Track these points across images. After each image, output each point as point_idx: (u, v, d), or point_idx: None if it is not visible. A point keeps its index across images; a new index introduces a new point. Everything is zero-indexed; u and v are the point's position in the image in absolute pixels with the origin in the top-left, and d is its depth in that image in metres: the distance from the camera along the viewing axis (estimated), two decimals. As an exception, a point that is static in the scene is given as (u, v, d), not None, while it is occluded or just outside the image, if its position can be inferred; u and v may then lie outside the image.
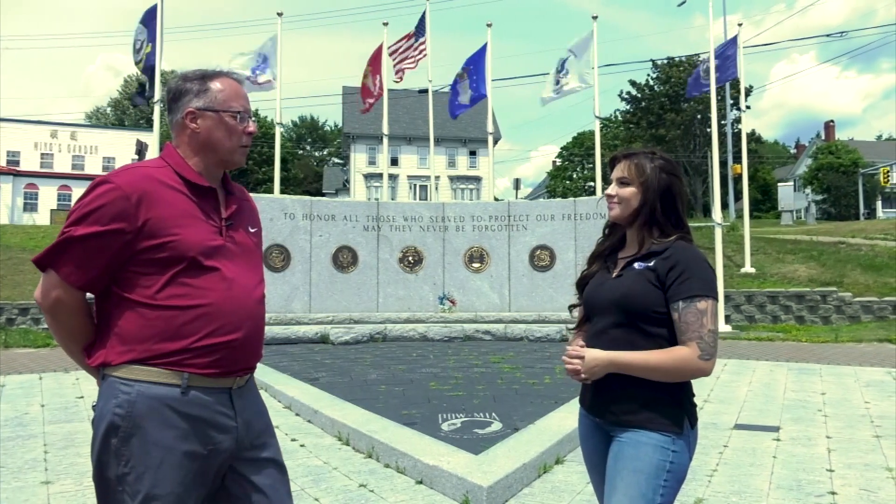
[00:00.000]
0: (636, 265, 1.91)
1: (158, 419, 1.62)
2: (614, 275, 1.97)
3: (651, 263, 1.87)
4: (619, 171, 1.99)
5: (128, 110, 59.63)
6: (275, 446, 1.89)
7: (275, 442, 1.90)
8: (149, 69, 13.50)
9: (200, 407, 1.67)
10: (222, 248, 1.74)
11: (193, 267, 1.67)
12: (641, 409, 1.82)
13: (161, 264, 1.65)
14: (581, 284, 2.10)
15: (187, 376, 1.65)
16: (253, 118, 1.87)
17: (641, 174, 1.95)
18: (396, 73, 16.17)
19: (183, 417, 1.64)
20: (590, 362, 1.84)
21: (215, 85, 1.80)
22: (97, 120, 60.41)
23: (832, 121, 58.66)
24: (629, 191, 1.96)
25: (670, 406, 1.83)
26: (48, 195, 41.91)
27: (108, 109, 63.07)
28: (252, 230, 1.89)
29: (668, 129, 44.43)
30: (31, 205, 41.35)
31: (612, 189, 1.99)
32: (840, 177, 45.19)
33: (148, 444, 1.61)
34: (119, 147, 44.31)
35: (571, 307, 2.16)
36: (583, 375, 1.85)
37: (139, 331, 1.64)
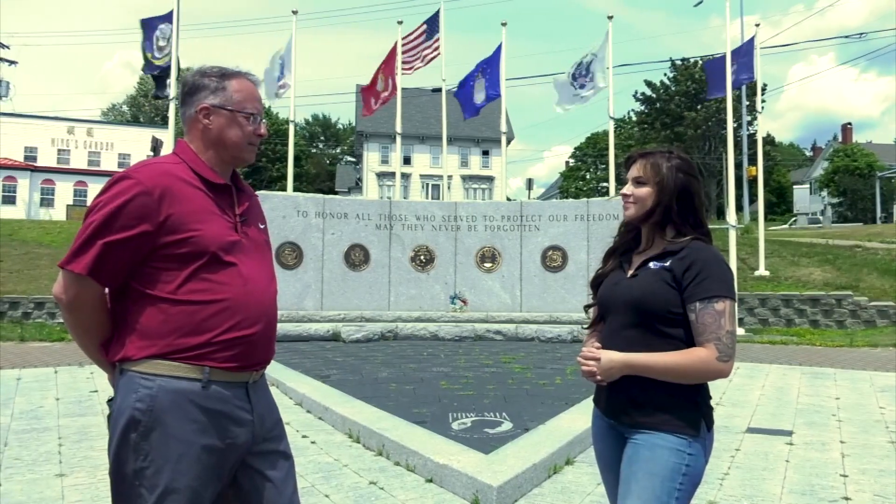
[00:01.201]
0: (651, 265, 1.88)
1: (180, 413, 1.63)
2: (629, 274, 1.94)
3: (667, 263, 1.84)
4: (634, 171, 1.96)
5: (143, 107, 60.08)
6: (285, 440, 1.92)
7: (285, 436, 1.93)
8: (166, 67, 13.63)
9: (220, 401, 1.69)
10: (238, 243, 1.76)
11: (214, 262, 1.69)
12: (657, 411, 1.80)
13: (182, 259, 1.66)
14: (596, 283, 2.08)
15: (208, 370, 1.66)
16: (264, 120, 1.90)
17: (657, 174, 1.92)
18: (406, 67, 16.09)
19: (203, 411, 1.66)
20: (606, 364, 1.81)
21: (232, 84, 1.82)
22: (113, 117, 60.94)
23: (849, 123, 58.15)
24: (645, 191, 1.92)
25: (687, 408, 1.81)
26: (64, 191, 42.34)
27: (124, 106, 63.60)
28: (262, 227, 1.92)
29: (686, 129, 44.19)
30: (47, 200, 41.79)
31: (628, 189, 1.96)
32: (857, 180, 44.70)
33: (168, 438, 1.62)
34: (134, 143, 44.65)
35: (587, 307, 2.14)
36: (598, 377, 1.83)
37: (160, 326, 1.65)
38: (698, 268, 1.79)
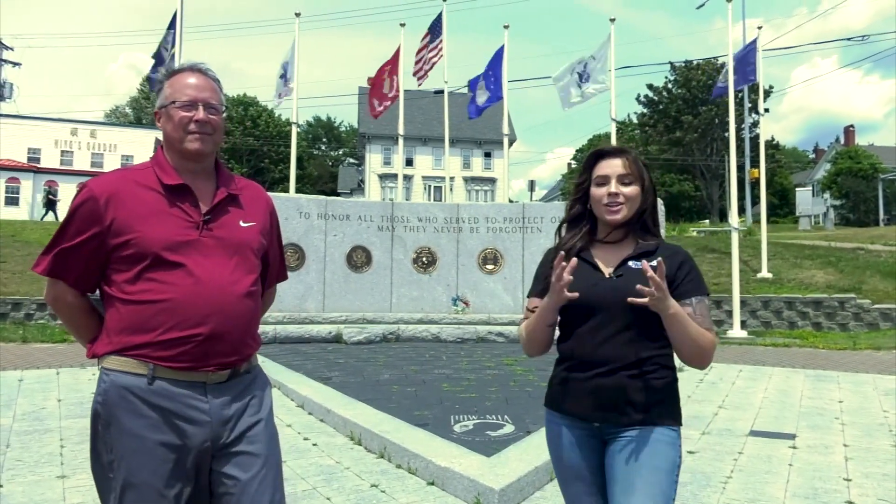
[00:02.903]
0: (632, 264, 1.87)
1: (128, 408, 1.70)
2: (608, 274, 1.88)
3: (653, 263, 1.78)
4: (618, 168, 1.90)
5: (145, 109, 60.18)
6: (261, 443, 1.83)
7: (263, 439, 1.84)
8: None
9: (167, 398, 1.71)
10: (195, 242, 1.77)
11: (158, 262, 1.73)
12: (653, 406, 1.81)
13: (129, 261, 1.74)
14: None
15: (153, 367, 1.71)
16: (209, 107, 1.83)
17: (640, 172, 1.92)
18: (418, 75, 16.18)
19: (151, 407, 1.70)
20: (665, 289, 1.73)
21: (167, 82, 1.87)
22: (116, 118, 61.05)
23: (852, 125, 58.07)
24: (634, 189, 1.90)
25: (675, 401, 1.87)
26: (68, 192, 42.35)
27: (127, 108, 63.72)
28: (245, 224, 1.88)
29: (686, 133, 44.17)
30: (50, 201, 41.82)
31: (615, 187, 1.89)
32: (860, 182, 44.61)
33: (122, 432, 1.70)
34: (137, 145, 44.71)
35: (535, 308, 1.96)
36: (654, 296, 1.71)
37: (116, 324, 1.76)
38: (688, 267, 1.89)
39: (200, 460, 1.74)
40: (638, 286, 1.72)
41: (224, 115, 1.92)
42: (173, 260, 1.73)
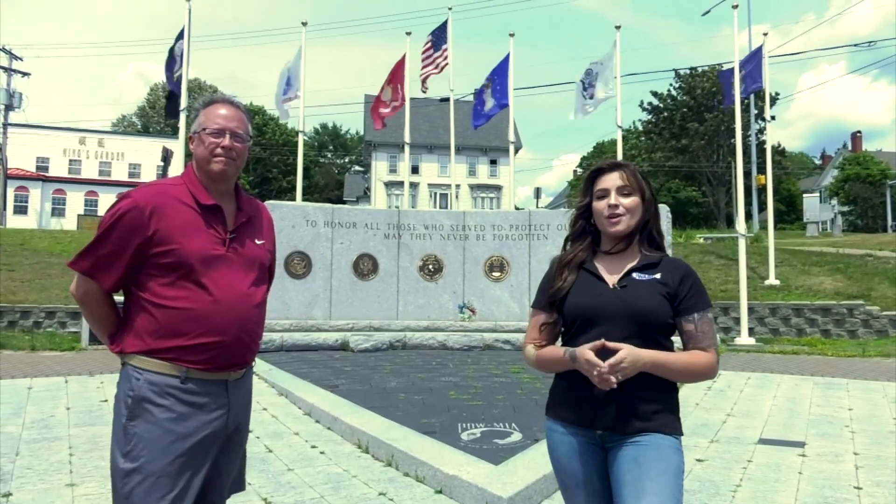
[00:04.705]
0: (636, 275, 1.90)
1: (161, 403, 1.88)
2: (613, 284, 1.90)
3: (658, 276, 1.89)
4: (616, 181, 1.94)
5: (153, 118, 60.54)
6: (244, 430, 2.14)
7: (246, 426, 2.16)
8: (178, 82, 13.72)
9: (197, 395, 1.92)
10: (223, 257, 1.98)
11: (193, 273, 1.92)
12: (657, 416, 1.84)
13: (166, 269, 1.91)
14: (558, 297, 1.96)
15: (185, 369, 1.91)
16: (236, 136, 2.03)
17: (639, 183, 1.96)
18: (423, 82, 16.28)
19: (182, 404, 1.90)
20: (632, 359, 1.74)
21: (203, 110, 2.07)
22: (124, 127, 61.41)
23: (859, 131, 57.89)
24: (633, 200, 1.94)
25: (676, 411, 1.91)
26: (75, 201, 42.67)
27: (135, 117, 64.11)
28: (259, 242, 2.11)
29: (691, 140, 44.10)
30: (58, 210, 42.14)
31: (615, 199, 1.93)
32: (867, 188, 44.42)
33: (150, 423, 1.86)
34: (145, 154, 45.05)
35: (543, 325, 2.00)
36: (618, 376, 1.74)
37: (147, 325, 1.92)
38: (691, 281, 1.90)
39: (215, 449, 1.96)
40: (601, 370, 1.74)
41: (249, 143, 2.11)
42: (205, 272, 1.93)
